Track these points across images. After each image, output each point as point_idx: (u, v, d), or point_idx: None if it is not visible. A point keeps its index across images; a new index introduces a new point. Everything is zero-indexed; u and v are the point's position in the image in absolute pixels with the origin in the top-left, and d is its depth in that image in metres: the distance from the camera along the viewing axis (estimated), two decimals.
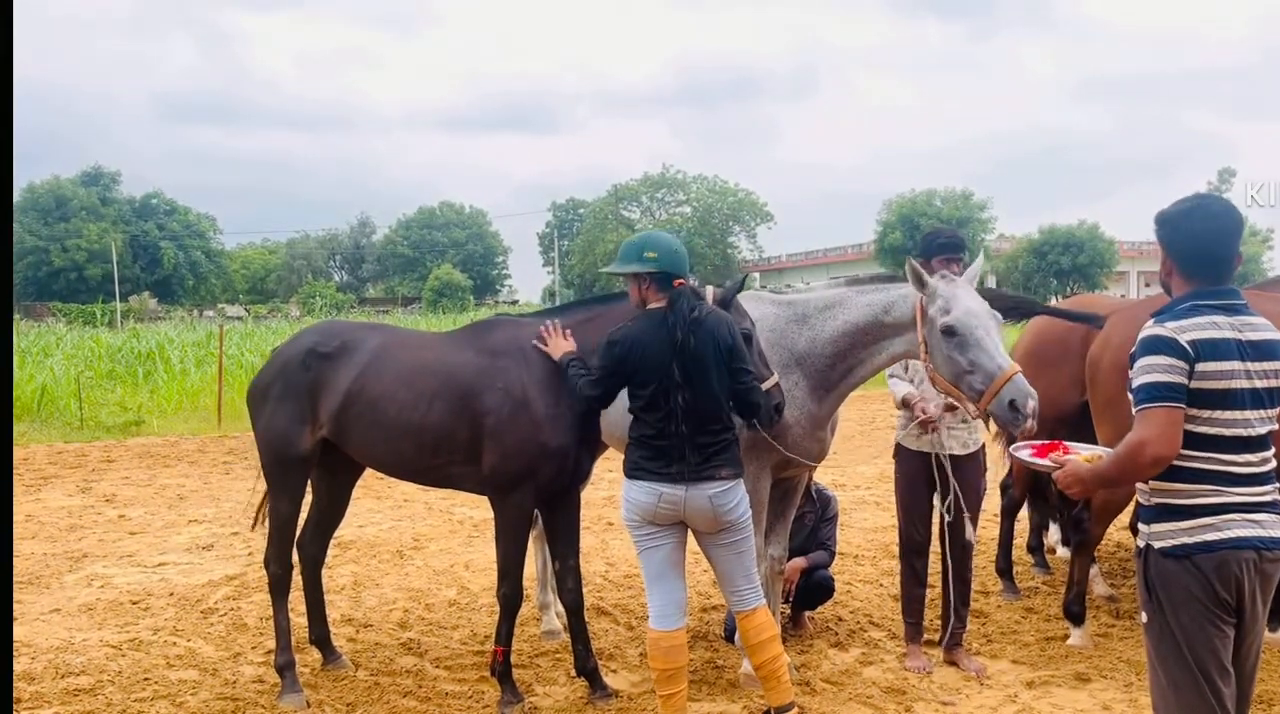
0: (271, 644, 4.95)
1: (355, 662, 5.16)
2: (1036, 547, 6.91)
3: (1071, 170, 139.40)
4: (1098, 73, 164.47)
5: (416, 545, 7.79)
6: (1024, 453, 3.24)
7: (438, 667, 5.13)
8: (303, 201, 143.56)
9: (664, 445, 3.91)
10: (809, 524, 5.60)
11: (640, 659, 5.10)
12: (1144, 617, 2.87)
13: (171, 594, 6.45)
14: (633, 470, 3.99)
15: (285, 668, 4.70)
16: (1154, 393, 2.69)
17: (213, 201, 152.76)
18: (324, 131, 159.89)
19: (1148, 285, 53.14)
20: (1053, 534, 7.15)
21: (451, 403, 4.39)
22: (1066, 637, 5.34)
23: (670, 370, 3.87)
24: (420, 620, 5.89)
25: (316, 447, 4.65)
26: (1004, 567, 6.34)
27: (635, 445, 4.03)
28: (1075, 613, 5.31)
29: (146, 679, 4.94)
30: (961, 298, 4.18)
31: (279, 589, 4.78)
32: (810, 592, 5.51)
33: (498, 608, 4.53)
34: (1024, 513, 6.82)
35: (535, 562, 5.61)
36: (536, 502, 4.49)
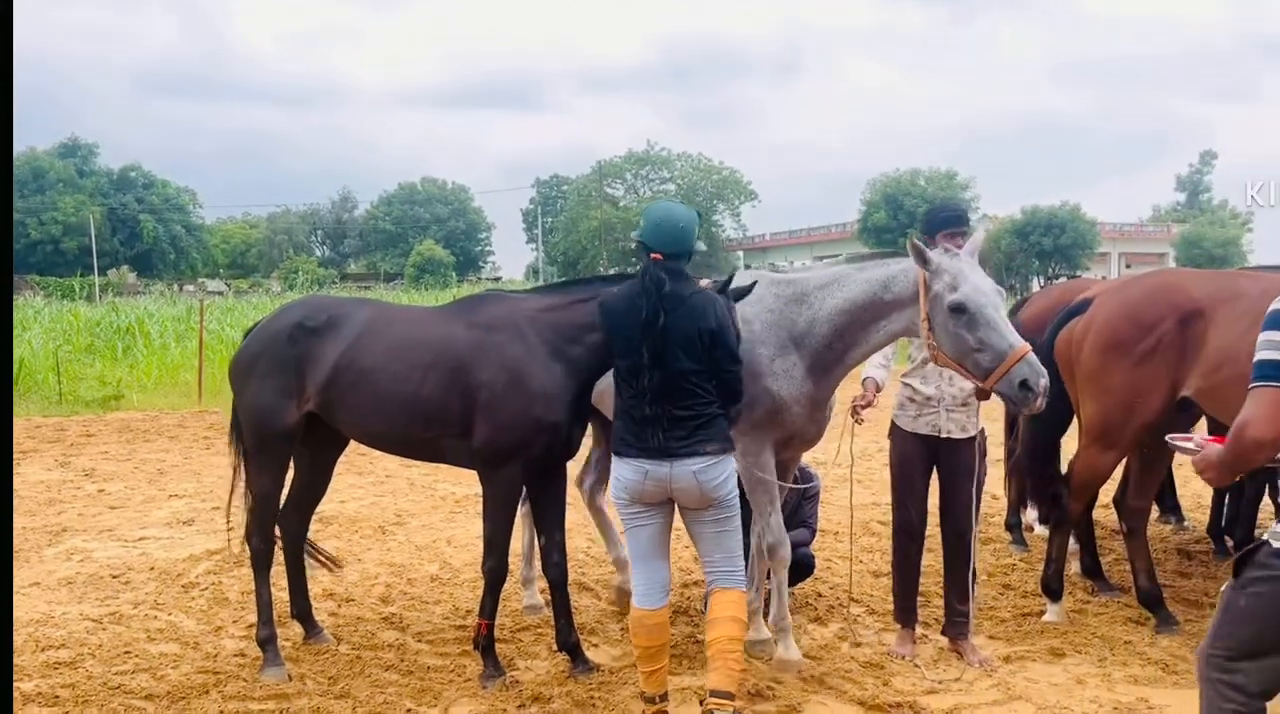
0: (253, 618, 4.95)
1: (337, 636, 5.17)
2: (1015, 524, 6.99)
3: (1054, 153, 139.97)
4: (1079, 56, 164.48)
5: (399, 521, 7.80)
6: (1183, 442, 2.98)
7: (419, 641, 5.14)
8: (283, 176, 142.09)
9: (641, 419, 3.89)
10: (791, 502, 5.64)
11: (621, 634, 5.14)
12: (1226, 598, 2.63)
13: (152, 568, 6.43)
14: (619, 446, 3.97)
15: (267, 642, 4.70)
16: (1261, 371, 2.46)
17: (192, 175, 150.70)
18: (305, 106, 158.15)
19: (1129, 266, 53.38)
20: (1030, 512, 7.22)
21: (445, 376, 4.37)
22: (1042, 613, 5.40)
23: (640, 347, 3.85)
24: (402, 595, 5.91)
25: (301, 421, 4.63)
26: (1013, 522, 6.96)
27: (619, 417, 4.02)
28: (1054, 589, 5.38)
29: (127, 652, 4.93)
30: (969, 274, 4.11)
31: (260, 564, 4.78)
32: (791, 569, 5.54)
33: (481, 582, 4.55)
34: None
35: (520, 537, 5.62)
36: (526, 476, 4.50)
